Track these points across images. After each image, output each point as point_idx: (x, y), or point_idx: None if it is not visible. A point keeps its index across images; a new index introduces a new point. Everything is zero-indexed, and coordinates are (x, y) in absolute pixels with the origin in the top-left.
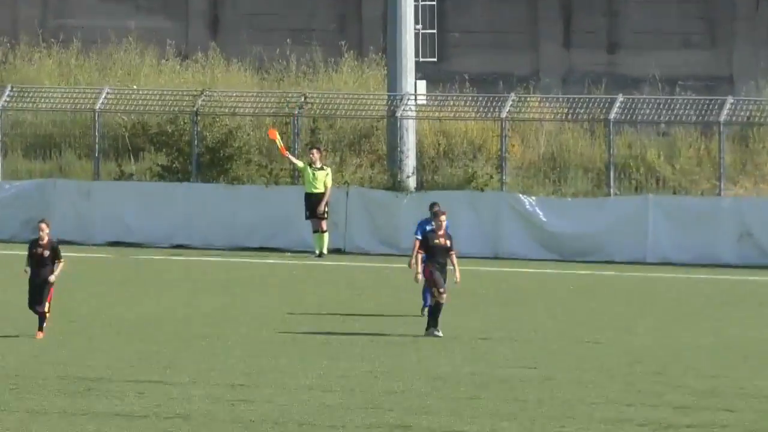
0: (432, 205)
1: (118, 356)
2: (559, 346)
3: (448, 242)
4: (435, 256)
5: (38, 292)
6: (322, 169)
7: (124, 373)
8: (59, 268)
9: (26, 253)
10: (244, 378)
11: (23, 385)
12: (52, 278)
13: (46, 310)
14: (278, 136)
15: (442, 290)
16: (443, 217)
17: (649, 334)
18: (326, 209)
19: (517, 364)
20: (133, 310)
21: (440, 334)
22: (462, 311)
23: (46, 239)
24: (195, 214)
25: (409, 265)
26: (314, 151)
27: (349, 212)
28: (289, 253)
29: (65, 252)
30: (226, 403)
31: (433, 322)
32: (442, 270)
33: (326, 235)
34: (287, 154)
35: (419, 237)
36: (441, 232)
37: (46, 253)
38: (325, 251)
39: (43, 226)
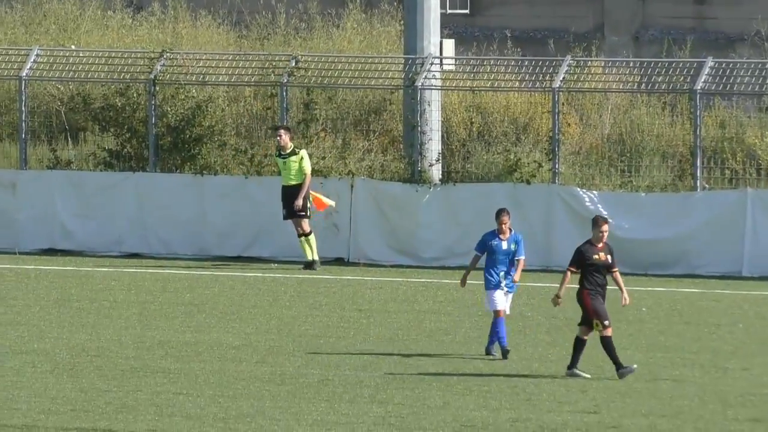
0: (499, 213)
1: (54, 398)
2: (626, 386)
3: (609, 258)
4: (594, 275)
5: None
6: (294, 153)
7: (63, 419)
8: None
9: None
10: (218, 425)
11: None
12: None
13: None
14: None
15: (606, 323)
16: (606, 227)
17: (745, 371)
18: (308, 203)
19: (571, 408)
20: (73, 339)
21: (586, 375)
22: None
23: None
24: (152, 213)
25: (462, 282)
26: (281, 132)
27: (354, 211)
28: (275, 264)
29: None
30: None
31: (574, 360)
32: (603, 293)
33: (312, 238)
34: (324, 201)
35: (479, 252)
36: (601, 245)
37: None
38: (315, 257)
39: None
